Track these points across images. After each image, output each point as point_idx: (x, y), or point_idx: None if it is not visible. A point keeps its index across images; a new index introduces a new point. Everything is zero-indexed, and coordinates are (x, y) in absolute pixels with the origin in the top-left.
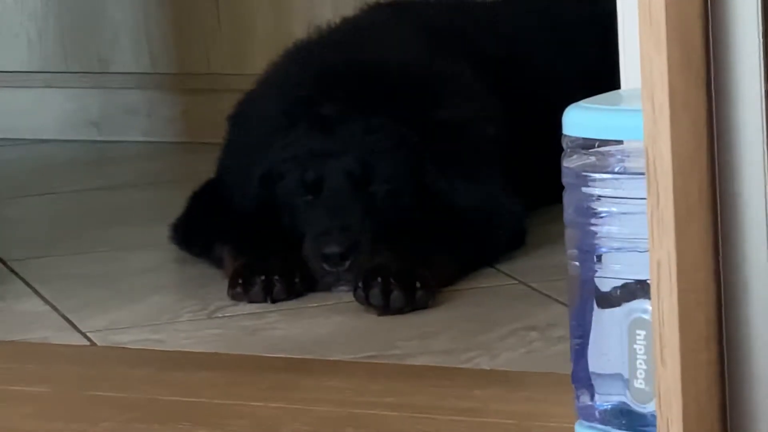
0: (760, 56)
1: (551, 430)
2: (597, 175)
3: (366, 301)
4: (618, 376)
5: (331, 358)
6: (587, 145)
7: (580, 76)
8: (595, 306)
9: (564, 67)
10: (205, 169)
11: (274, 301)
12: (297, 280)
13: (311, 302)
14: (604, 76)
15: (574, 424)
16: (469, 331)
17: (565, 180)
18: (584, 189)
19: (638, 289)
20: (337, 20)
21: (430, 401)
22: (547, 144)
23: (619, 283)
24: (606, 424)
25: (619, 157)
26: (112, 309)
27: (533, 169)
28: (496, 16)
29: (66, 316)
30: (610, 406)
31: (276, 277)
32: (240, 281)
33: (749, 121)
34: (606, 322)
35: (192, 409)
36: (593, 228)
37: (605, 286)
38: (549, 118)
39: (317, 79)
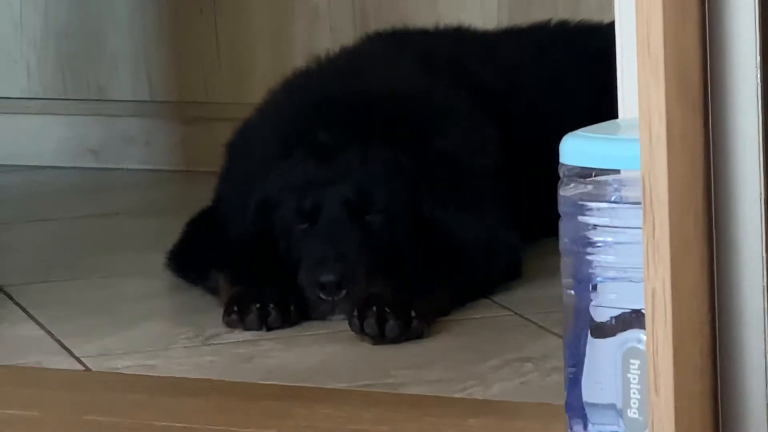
0: (757, 88)
1: None
2: (593, 204)
3: (361, 331)
4: (611, 406)
5: (326, 387)
6: (584, 174)
7: (577, 110)
8: (589, 335)
9: (563, 99)
10: (203, 197)
11: (269, 329)
12: (292, 308)
13: (306, 330)
14: (601, 110)
15: None
16: (463, 361)
17: (561, 209)
18: (581, 218)
19: (633, 319)
20: (336, 50)
21: (423, 430)
22: (545, 176)
23: (615, 312)
24: None
25: (616, 186)
26: (107, 335)
27: (531, 201)
28: (495, 47)
29: (61, 341)
30: None
31: (271, 305)
32: (235, 308)
33: (746, 152)
34: (600, 352)
35: None
36: (589, 257)
37: (600, 315)
38: (547, 150)
39: (315, 108)
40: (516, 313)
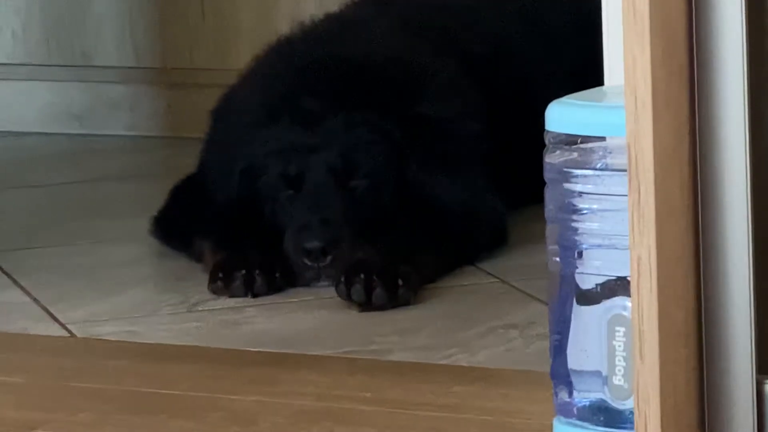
0: (743, 54)
1: (529, 426)
2: (579, 172)
3: (348, 297)
4: (597, 373)
5: (310, 353)
6: (570, 141)
7: (564, 75)
8: (575, 302)
9: (548, 66)
10: (188, 163)
11: (254, 296)
12: (278, 274)
13: (292, 297)
14: (588, 76)
15: (552, 420)
16: (448, 329)
17: (547, 176)
18: (566, 185)
19: (618, 286)
20: (321, 15)
21: (408, 397)
22: (531, 143)
23: (600, 279)
24: (584, 421)
25: (602, 153)
26: (92, 301)
27: (516, 167)
28: (480, 13)
29: (46, 308)
30: (588, 403)
31: (257, 272)
32: (220, 275)
33: (732, 119)
34: (585, 319)
35: (169, 401)
36: (574, 224)
37: (585, 282)
38: (533, 116)
39: (300, 74)
40: (501, 280)
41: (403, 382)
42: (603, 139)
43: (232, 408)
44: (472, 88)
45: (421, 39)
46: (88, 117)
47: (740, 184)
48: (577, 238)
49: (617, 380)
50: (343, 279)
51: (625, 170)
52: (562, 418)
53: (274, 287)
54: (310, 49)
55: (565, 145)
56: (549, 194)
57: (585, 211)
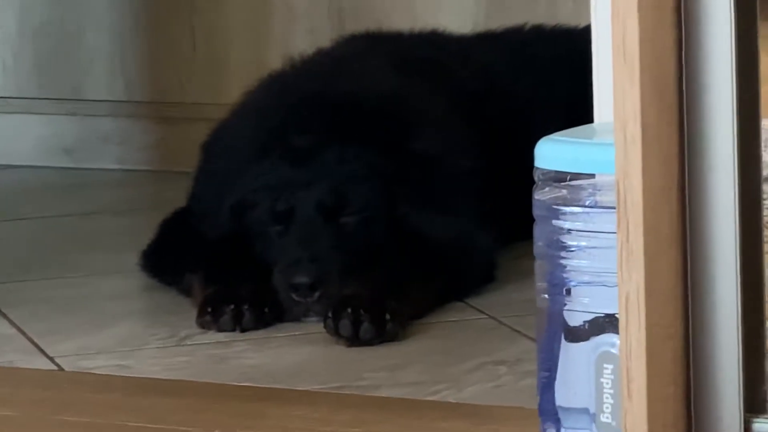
0: (732, 91)
1: None
2: (568, 209)
3: (335, 332)
4: (584, 410)
5: (299, 388)
6: (559, 178)
7: (554, 112)
8: (563, 339)
9: (538, 103)
10: (178, 196)
11: (243, 330)
12: (266, 309)
13: (280, 332)
14: (577, 115)
15: None
16: (437, 364)
17: (536, 212)
18: (555, 222)
19: (607, 323)
20: (313, 51)
21: None
22: (520, 180)
23: (588, 316)
24: None
25: (591, 190)
26: (81, 334)
27: (507, 203)
28: (471, 49)
29: (34, 341)
30: None
31: (245, 307)
32: (209, 309)
33: (721, 157)
34: (574, 356)
35: None
36: (563, 261)
37: (574, 319)
38: (522, 154)
39: (291, 109)
40: (490, 316)
41: (391, 418)
42: (592, 176)
43: None
44: (463, 124)
45: (412, 75)
46: (79, 150)
47: (729, 223)
48: (565, 275)
49: (605, 418)
50: (330, 314)
51: (614, 207)
52: None
53: (262, 322)
54: (301, 85)
55: (555, 182)
56: (538, 231)
57: (573, 248)
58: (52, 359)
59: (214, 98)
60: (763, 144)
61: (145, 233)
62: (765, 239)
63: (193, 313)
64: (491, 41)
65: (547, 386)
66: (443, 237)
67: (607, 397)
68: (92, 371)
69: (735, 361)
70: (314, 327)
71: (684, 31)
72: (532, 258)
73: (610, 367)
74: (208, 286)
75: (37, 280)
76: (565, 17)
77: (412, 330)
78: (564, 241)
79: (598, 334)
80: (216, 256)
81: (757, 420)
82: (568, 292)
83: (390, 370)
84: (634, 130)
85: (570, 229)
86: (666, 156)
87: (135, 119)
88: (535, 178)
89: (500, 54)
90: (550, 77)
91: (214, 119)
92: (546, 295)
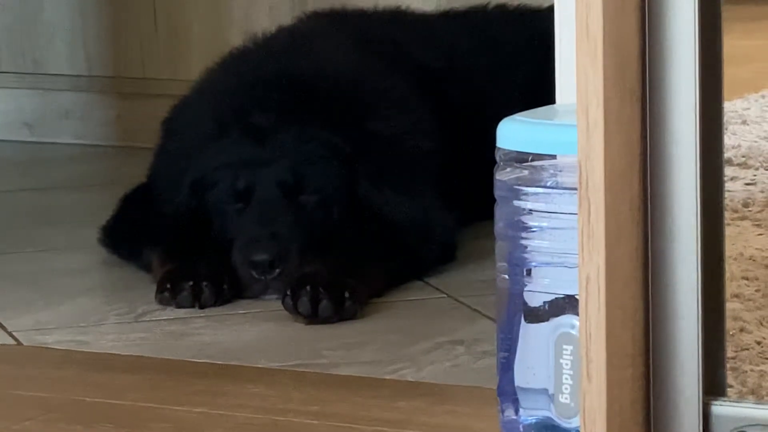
0: (696, 73)
1: None
2: (529, 189)
3: (294, 310)
4: (543, 391)
5: (257, 365)
6: (521, 158)
7: (516, 92)
8: (522, 320)
9: (500, 83)
10: (138, 172)
11: (201, 307)
12: (225, 286)
13: (239, 309)
14: (539, 95)
15: None
16: (395, 343)
17: (497, 193)
18: (516, 202)
19: (566, 305)
20: (274, 29)
21: (353, 411)
22: (482, 160)
23: (548, 297)
24: None
25: (552, 171)
26: (39, 309)
27: (468, 183)
28: (433, 29)
29: None
30: (534, 421)
31: (204, 283)
32: (168, 286)
33: (683, 139)
34: (533, 337)
35: (115, 411)
36: (524, 242)
37: (534, 300)
38: (484, 134)
39: (251, 88)
40: (449, 296)
41: (349, 396)
42: (554, 157)
43: (177, 419)
44: (424, 104)
45: (373, 54)
46: (39, 125)
47: (690, 205)
48: (526, 255)
49: (564, 398)
50: (289, 292)
51: (575, 189)
52: None
53: (221, 299)
54: (261, 63)
55: (516, 162)
56: (499, 211)
57: (534, 229)
58: (10, 334)
59: (175, 74)
60: (725, 126)
61: (105, 208)
62: (726, 222)
63: (152, 289)
64: (454, 20)
65: (506, 367)
66: (403, 216)
67: (566, 378)
68: (50, 346)
69: (694, 344)
70: (273, 304)
71: (648, 12)
72: (493, 238)
73: (570, 348)
74: (168, 262)
75: None
76: None
77: (371, 308)
78: (525, 221)
79: (557, 315)
80: (176, 232)
81: (716, 403)
82: (529, 272)
83: (348, 349)
84: (597, 113)
85: (531, 210)
86: (628, 139)
87: (95, 94)
88: (497, 159)
89: (463, 34)
90: (513, 57)
91: (175, 95)
92: (506, 276)
